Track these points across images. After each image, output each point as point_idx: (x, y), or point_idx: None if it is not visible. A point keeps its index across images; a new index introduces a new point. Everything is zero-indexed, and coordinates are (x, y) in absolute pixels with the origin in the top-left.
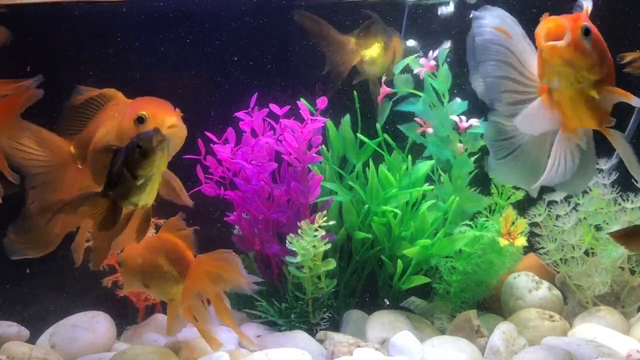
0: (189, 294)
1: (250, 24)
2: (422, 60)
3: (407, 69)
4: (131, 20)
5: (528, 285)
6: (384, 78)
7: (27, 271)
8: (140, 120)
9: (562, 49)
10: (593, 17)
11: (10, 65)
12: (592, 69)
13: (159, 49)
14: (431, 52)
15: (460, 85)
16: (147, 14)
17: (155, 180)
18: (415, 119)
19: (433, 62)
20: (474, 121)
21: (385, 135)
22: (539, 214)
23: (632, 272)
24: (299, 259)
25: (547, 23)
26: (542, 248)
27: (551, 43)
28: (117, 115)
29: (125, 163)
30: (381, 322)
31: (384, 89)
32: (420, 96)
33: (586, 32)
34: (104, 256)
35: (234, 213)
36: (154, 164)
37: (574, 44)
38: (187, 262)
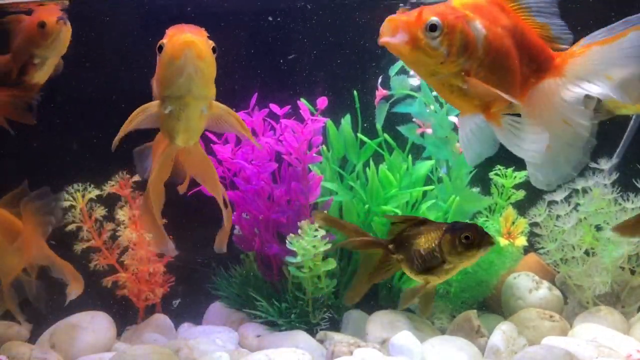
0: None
1: (250, 24)
2: None
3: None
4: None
5: (528, 285)
6: (379, 80)
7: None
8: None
9: (396, 46)
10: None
11: None
12: (443, 63)
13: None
14: None
15: None
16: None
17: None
18: (413, 120)
19: None
20: None
21: (386, 135)
22: (539, 214)
23: (633, 272)
24: (299, 259)
25: (387, 22)
26: (543, 248)
27: (384, 39)
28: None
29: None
30: (381, 322)
31: (380, 91)
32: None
33: (431, 28)
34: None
35: (234, 213)
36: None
37: (411, 41)
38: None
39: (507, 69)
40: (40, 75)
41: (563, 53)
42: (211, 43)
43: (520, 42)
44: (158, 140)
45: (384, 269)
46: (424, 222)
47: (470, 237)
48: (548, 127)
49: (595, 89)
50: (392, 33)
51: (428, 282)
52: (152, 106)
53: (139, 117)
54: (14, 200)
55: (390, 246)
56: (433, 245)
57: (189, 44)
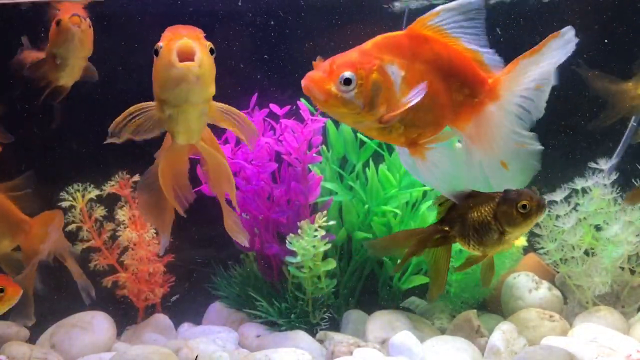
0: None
1: (250, 23)
2: None
3: None
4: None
5: (528, 285)
6: None
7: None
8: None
9: (317, 103)
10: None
11: None
12: (360, 113)
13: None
14: None
15: None
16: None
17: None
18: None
19: None
20: None
21: None
22: None
23: (632, 272)
24: (299, 259)
25: (304, 80)
26: (542, 248)
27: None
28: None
29: None
30: (381, 322)
31: None
32: None
33: (345, 82)
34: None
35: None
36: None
37: (327, 99)
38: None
39: (432, 103)
40: (64, 77)
41: (496, 74)
42: (208, 44)
43: (448, 71)
44: (167, 137)
45: (447, 252)
46: (471, 195)
47: (527, 205)
48: (497, 151)
49: (530, 103)
50: (309, 91)
51: (486, 254)
52: (151, 108)
53: (137, 119)
54: (16, 187)
55: (444, 227)
56: (488, 218)
57: (185, 51)
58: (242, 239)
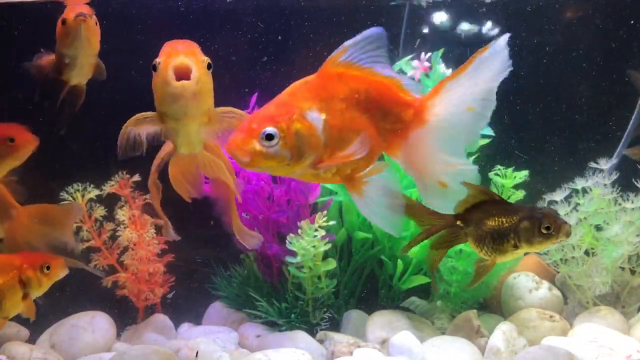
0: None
1: (250, 23)
2: (415, 63)
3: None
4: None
5: (528, 285)
6: None
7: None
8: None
9: (244, 165)
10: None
11: None
12: (290, 164)
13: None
14: (423, 53)
15: None
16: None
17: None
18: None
19: (427, 64)
20: None
21: None
22: None
23: (633, 272)
24: (299, 259)
25: (228, 143)
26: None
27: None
28: None
29: None
30: (381, 322)
31: None
32: None
33: (267, 137)
34: None
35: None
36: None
37: (253, 157)
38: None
39: (357, 137)
40: (75, 77)
41: (420, 98)
42: (206, 59)
43: (368, 104)
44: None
45: (449, 241)
46: (496, 201)
47: (550, 227)
48: (431, 174)
49: (460, 126)
50: (233, 155)
51: (494, 261)
52: (151, 117)
53: (139, 126)
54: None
55: (459, 222)
56: (507, 229)
57: (182, 69)
58: (254, 242)
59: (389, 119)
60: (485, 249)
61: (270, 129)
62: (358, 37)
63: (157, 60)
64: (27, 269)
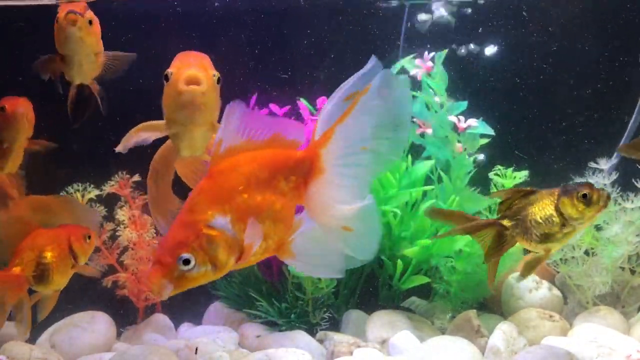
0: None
1: (250, 22)
2: (418, 61)
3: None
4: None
5: (528, 285)
6: None
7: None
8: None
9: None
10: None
11: None
12: (216, 271)
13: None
14: (426, 53)
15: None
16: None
17: None
18: (413, 119)
19: (430, 63)
20: (473, 121)
21: None
22: None
23: (633, 272)
24: None
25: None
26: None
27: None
28: None
29: None
30: (381, 322)
31: None
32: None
33: (185, 262)
34: None
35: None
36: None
37: (179, 283)
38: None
39: (272, 214)
40: (77, 76)
41: (308, 147)
42: (216, 75)
43: (267, 178)
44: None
45: (500, 247)
46: (531, 192)
47: (587, 195)
48: (334, 220)
49: (358, 168)
50: (156, 293)
51: (549, 249)
52: (159, 126)
53: (144, 133)
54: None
55: (505, 222)
56: (550, 211)
57: (193, 81)
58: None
59: (290, 180)
60: (534, 241)
61: (184, 255)
62: (223, 122)
63: (169, 70)
64: (75, 240)
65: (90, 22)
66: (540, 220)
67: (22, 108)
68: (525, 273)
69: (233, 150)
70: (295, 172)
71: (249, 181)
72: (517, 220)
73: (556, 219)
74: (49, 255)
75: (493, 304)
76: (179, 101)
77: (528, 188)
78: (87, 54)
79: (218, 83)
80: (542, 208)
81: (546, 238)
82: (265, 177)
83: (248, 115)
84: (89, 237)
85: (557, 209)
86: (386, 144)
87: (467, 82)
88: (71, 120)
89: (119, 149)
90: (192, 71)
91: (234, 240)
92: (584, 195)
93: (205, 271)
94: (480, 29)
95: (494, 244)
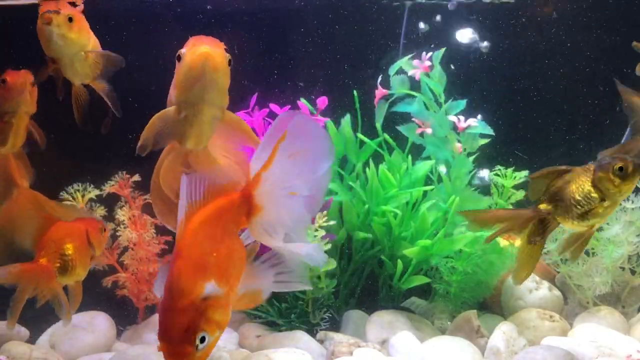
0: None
1: (250, 22)
2: (416, 62)
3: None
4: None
5: (528, 285)
6: (379, 79)
7: None
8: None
9: None
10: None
11: None
12: (215, 337)
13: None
14: (424, 53)
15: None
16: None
17: None
18: (413, 119)
19: (428, 63)
20: (472, 121)
21: (385, 135)
22: None
23: (633, 272)
24: None
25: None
26: (543, 248)
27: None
28: None
29: None
30: (381, 322)
31: (380, 91)
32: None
33: (201, 340)
34: None
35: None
36: None
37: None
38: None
39: (238, 257)
40: (72, 76)
41: (241, 191)
42: (227, 55)
43: (220, 230)
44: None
45: (544, 233)
46: (565, 171)
47: (623, 167)
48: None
49: (293, 213)
50: None
51: (592, 226)
52: (169, 111)
53: (157, 122)
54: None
55: (544, 206)
56: (587, 188)
57: (206, 56)
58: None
59: (239, 222)
60: (575, 219)
61: (200, 335)
62: (182, 193)
63: (182, 50)
64: (92, 232)
65: (71, 19)
66: (580, 198)
67: (24, 80)
68: (574, 254)
69: (189, 219)
70: (240, 213)
71: (212, 240)
72: (556, 202)
73: (595, 195)
74: (70, 247)
75: (493, 304)
76: (191, 76)
77: (562, 167)
78: (74, 53)
79: (229, 65)
80: (580, 186)
81: (587, 215)
82: (221, 230)
83: (193, 184)
84: (104, 230)
85: (594, 185)
86: (311, 185)
87: (467, 81)
88: (77, 121)
89: (140, 151)
90: (206, 48)
91: (226, 297)
92: (620, 169)
93: (217, 336)
94: (480, 28)
95: (537, 231)
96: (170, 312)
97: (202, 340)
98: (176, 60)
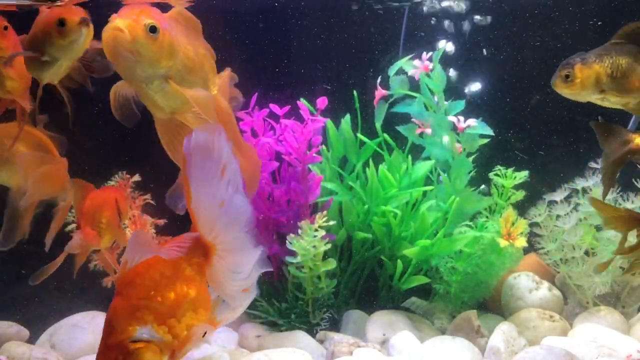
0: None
1: (250, 22)
2: (416, 62)
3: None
4: None
5: (528, 285)
6: (379, 80)
7: (23, 272)
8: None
9: None
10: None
11: None
12: None
13: None
14: (424, 53)
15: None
16: None
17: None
18: (412, 120)
19: (428, 63)
20: (472, 121)
21: (385, 135)
22: (540, 214)
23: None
24: (299, 259)
25: None
26: (543, 248)
27: None
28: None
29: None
30: (381, 322)
31: (380, 91)
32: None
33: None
34: None
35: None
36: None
37: None
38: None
39: (188, 306)
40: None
41: (192, 228)
42: (149, 23)
43: (169, 272)
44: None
45: None
46: None
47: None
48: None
49: (247, 254)
50: None
51: None
52: (118, 85)
53: (112, 95)
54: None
55: None
56: None
57: (114, 34)
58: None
59: (193, 264)
60: None
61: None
62: (129, 248)
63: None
64: (120, 200)
65: (6, 28)
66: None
67: (84, 25)
68: None
69: (138, 267)
70: (194, 254)
71: (157, 283)
72: None
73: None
74: (106, 214)
75: (493, 304)
76: (109, 56)
77: None
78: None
79: (152, 32)
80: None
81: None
82: (170, 272)
83: (143, 240)
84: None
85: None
86: (236, 188)
87: (467, 81)
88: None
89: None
90: (116, 23)
91: (162, 344)
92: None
93: None
94: (480, 28)
95: None
96: (101, 346)
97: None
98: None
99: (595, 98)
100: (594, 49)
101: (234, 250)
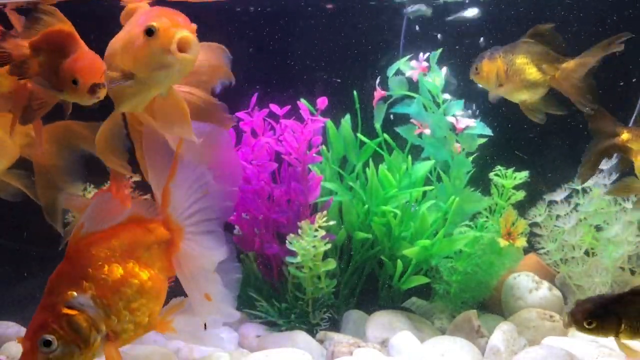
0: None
1: (250, 23)
2: (414, 63)
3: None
4: None
5: (528, 285)
6: (378, 80)
7: (25, 274)
8: (150, 32)
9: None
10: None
11: None
12: None
13: None
14: (421, 54)
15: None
16: None
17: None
18: (411, 120)
19: (425, 64)
20: (470, 121)
21: (385, 135)
22: (539, 214)
23: (633, 272)
24: (299, 259)
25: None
26: (543, 248)
27: None
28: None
29: None
30: (381, 322)
31: (379, 92)
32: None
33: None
34: None
35: (234, 213)
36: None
37: None
38: None
39: (137, 287)
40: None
41: (159, 214)
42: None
43: (129, 251)
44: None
45: None
46: None
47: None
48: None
49: (209, 219)
50: None
51: None
52: (115, 76)
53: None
54: None
55: None
56: None
57: (186, 46)
58: None
59: (153, 250)
60: None
61: (45, 337)
62: (89, 208)
63: (153, 23)
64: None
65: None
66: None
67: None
68: None
69: (93, 236)
70: (155, 240)
71: (107, 257)
72: None
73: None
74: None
75: (493, 304)
76: (163, 63)
77: None
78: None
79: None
80: None
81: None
82: (124, 251)
83: (107, 202)
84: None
85: None
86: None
87: (466, 81)
88: None
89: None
90: (185, 34)
91: (97, 316)
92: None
93: (70, 353)
94: (481, 28)
95: None
96: (37, 307)
97: (47, 344)
98: (146, 34)
99: (498, 91)
100: (508, 44)
101: (202, 240)
